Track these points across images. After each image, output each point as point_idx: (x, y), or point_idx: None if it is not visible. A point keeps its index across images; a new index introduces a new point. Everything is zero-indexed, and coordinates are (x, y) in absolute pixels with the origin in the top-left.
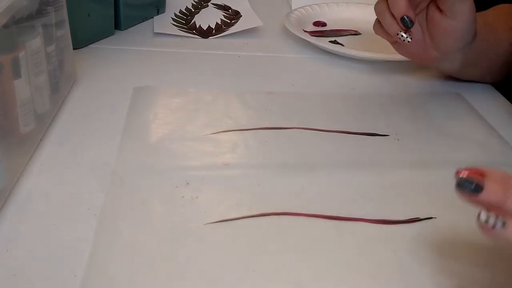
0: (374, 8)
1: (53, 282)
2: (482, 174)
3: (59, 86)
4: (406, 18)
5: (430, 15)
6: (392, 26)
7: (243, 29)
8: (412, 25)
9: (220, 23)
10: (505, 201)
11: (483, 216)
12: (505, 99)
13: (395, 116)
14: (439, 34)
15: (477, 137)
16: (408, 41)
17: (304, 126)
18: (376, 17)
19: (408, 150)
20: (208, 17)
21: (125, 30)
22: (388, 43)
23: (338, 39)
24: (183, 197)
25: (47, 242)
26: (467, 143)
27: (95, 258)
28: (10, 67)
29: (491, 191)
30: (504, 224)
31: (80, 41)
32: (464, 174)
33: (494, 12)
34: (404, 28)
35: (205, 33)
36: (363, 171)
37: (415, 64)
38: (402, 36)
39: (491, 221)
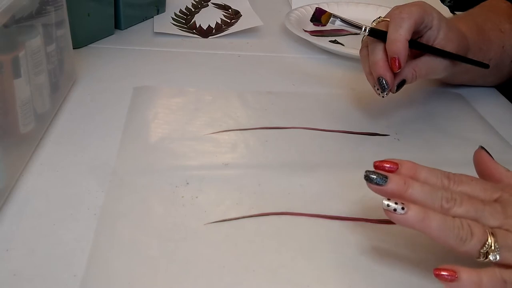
0: (359, 52)
1: (53, 282)
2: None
3: (59, 85)
4: (382, 80)
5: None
6: (369, 78)
7: (243, 28)
8: (388, 88)
9: (220, 22)
10: (405, 191)
11: (385, 202)
12: (505, 99)
13: (395, 116)
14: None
15: (478, 137)
16: (383, 97)
17: (304, 126)
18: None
19: (408, 150)
20: (208, 17)
21: (125, 30)
22: None
23: (338, 39)
24: (183, 197)
25: (47, 242)
26: (467, 143)
27: (95, 258)
28: (10, 67)
29: (393, 183)
30: (403, 208)
31: (80, 41)
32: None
33: (484, 12)
34: (380, 87)
35: (205, 33)
36: (363, 171)
37: None
38: (377, 90)
39: (392, 206)
